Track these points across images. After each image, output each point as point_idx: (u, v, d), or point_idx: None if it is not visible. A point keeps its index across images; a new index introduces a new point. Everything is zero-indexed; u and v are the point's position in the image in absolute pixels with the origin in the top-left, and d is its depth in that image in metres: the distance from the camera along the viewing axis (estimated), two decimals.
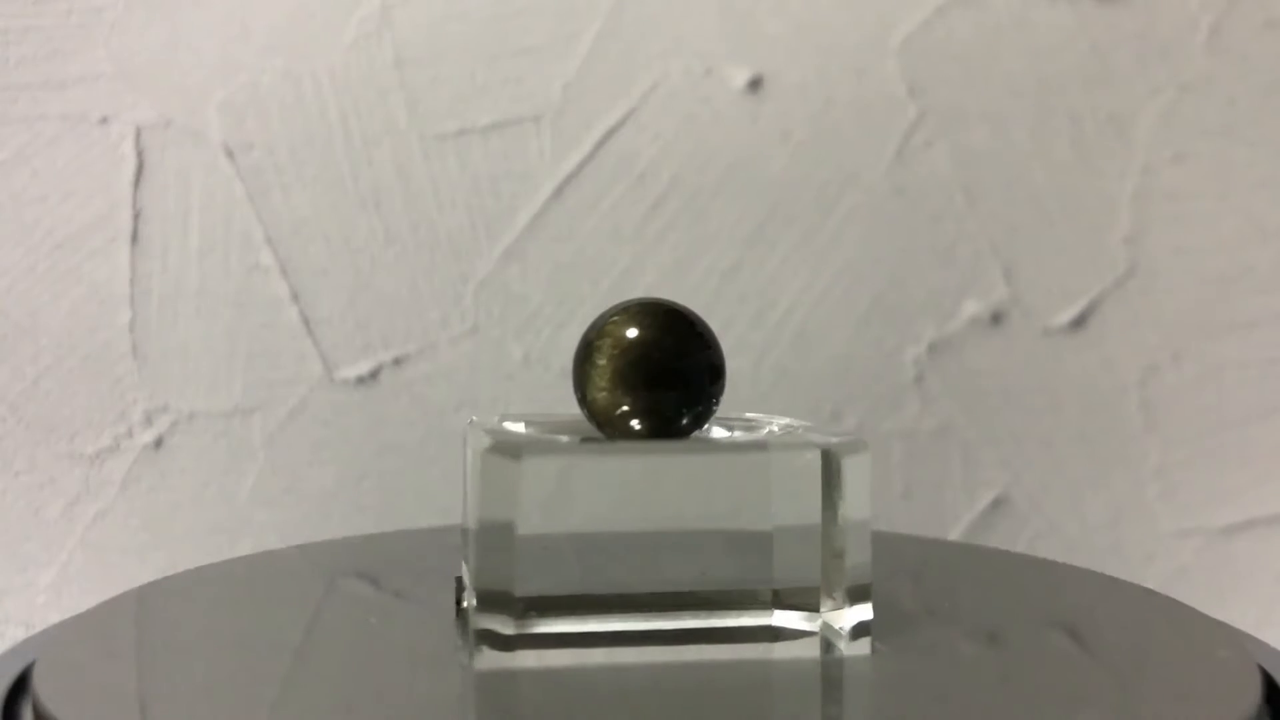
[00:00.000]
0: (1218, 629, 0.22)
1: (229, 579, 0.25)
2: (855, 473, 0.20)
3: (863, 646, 0.20)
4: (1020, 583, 0.26)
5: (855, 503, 0.20)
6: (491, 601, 0.19)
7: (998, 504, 0.36)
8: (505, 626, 0.19)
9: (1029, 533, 0.36)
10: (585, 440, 0.21)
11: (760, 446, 0.20)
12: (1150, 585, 0.35)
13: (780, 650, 0.20)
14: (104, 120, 0.36)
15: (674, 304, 0.21)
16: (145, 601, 0.23)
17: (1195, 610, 0.23)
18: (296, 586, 0.25)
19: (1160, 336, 0.36)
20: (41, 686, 0.17)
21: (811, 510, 0.20)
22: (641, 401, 0.20)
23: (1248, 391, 0.35)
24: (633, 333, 0.21)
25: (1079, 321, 0.36)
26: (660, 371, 0.21)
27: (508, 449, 0.19)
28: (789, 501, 0.20)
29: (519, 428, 0.22)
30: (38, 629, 0.22)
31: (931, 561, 0.28)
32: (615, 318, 0.21)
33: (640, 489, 0.20)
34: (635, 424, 0.21)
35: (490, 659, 0.19)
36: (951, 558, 0.29)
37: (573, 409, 0.22)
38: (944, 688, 0.19)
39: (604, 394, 0.21)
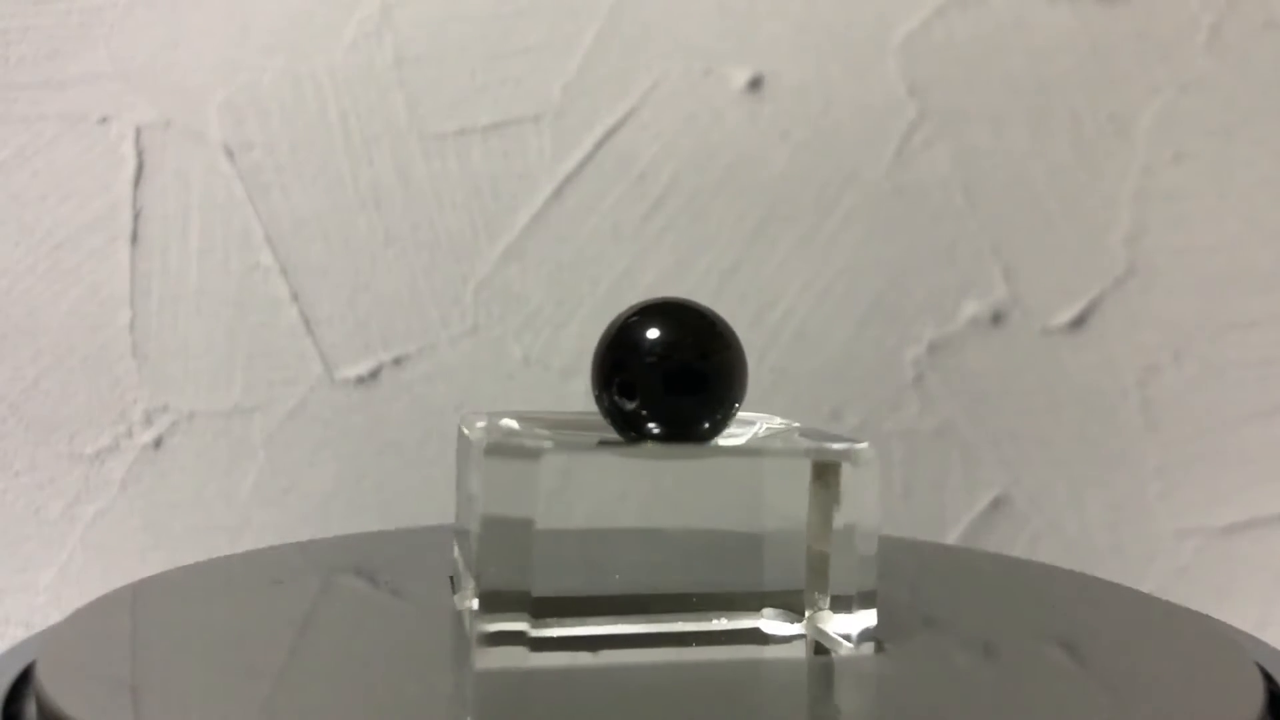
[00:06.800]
0: (1218, 629, 0.22)
1: (228, 576, 0.25)
2: (856, 480, 0.20)
3: (865, 650, 0.20)
4: (1017, 589, 0.26)
5: (853, 509, 0.20)
6: (499, 601, 0.19)
7: (997, 504, 0.36)
8: (515, 625, 0.19)
9: (1029, 533, 0.36)
10: (602, 441, 0.21)
11: (756, 452, 0.20)
12: (1150, 585, 0.35)
13: (770, 653, 0.20)
14: (104, 120, 0.36)
15: (694, 303, 0.21)
16: (143, 597, 0.23)
17: (1196, 613, 0.23)
18: (295, 583, 0.25)
19: (1160, 336, 0.36)
20: (45, 681, 0.17)
21: (803, 515, 0.20)
22: (660, 403, 0.20)
23: (1248, 391, 0.35)
24: (653, 333, 0.20)
25: (1079, 321, 0.36)
26: (680, 373, 0.20)
27: (518, 449, 0.19)
28: (781, 506, 0.20)
29: (513, 425, 0.22)
30: (38, 629, 0.22)
31: (927, 567, 0.28)
32: (634, 317, 0.21)
33: (635, 491, 0.20)
34: (653, 426, 0.20)
35: (493, 658, 0.19)
36: (948, 562, 0.29)
37: (573, 407, 0.22)
38: (937, 696, 0.19)
39: (620, 395, 0.20)
